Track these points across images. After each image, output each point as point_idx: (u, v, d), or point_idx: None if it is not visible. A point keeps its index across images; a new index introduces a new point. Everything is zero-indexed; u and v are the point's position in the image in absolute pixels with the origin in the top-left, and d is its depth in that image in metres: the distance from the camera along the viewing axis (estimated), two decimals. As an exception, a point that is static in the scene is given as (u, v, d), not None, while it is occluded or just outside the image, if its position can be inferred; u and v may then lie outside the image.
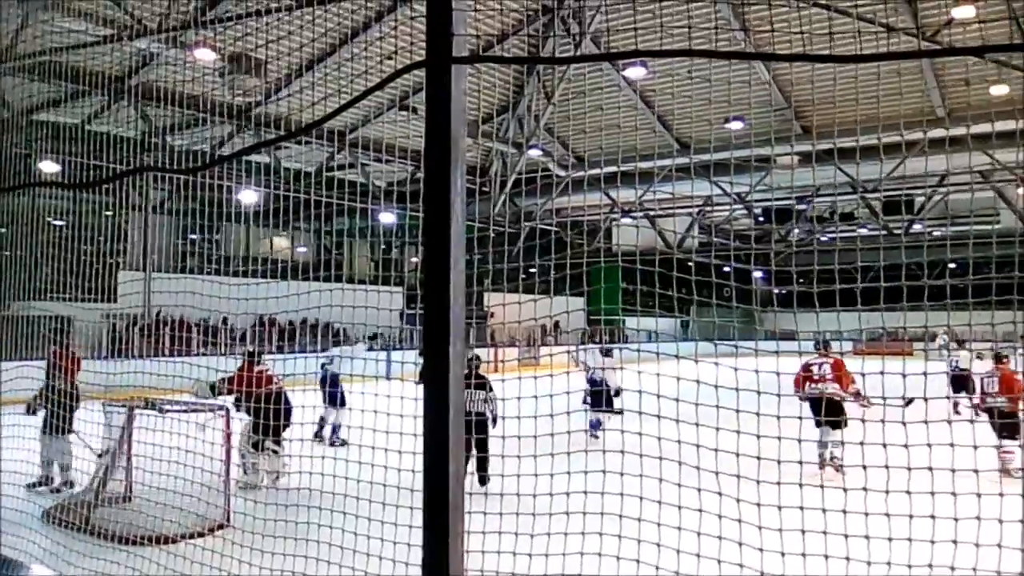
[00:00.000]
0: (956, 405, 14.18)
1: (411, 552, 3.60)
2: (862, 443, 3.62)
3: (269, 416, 8.68)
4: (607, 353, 13.49)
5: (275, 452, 9.36)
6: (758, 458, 3.78)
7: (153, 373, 6.76)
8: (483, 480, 8.79)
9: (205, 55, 14.77)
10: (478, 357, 10.70)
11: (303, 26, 5.49)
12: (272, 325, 25.53)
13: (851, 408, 9.82)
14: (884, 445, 3.58)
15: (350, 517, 4.63)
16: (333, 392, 11.66)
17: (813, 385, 10.48)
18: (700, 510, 3.80)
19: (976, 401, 11.66)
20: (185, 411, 7.33)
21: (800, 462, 3.85)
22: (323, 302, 5.67)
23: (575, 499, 4.00)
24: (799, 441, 3.84)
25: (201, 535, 6.68)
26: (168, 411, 7.35)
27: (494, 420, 9.28)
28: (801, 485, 3.82)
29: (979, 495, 3.41)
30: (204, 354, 14.95)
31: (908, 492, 3.51)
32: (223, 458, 7.94)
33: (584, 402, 11.84)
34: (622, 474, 3.88)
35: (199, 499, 6.22)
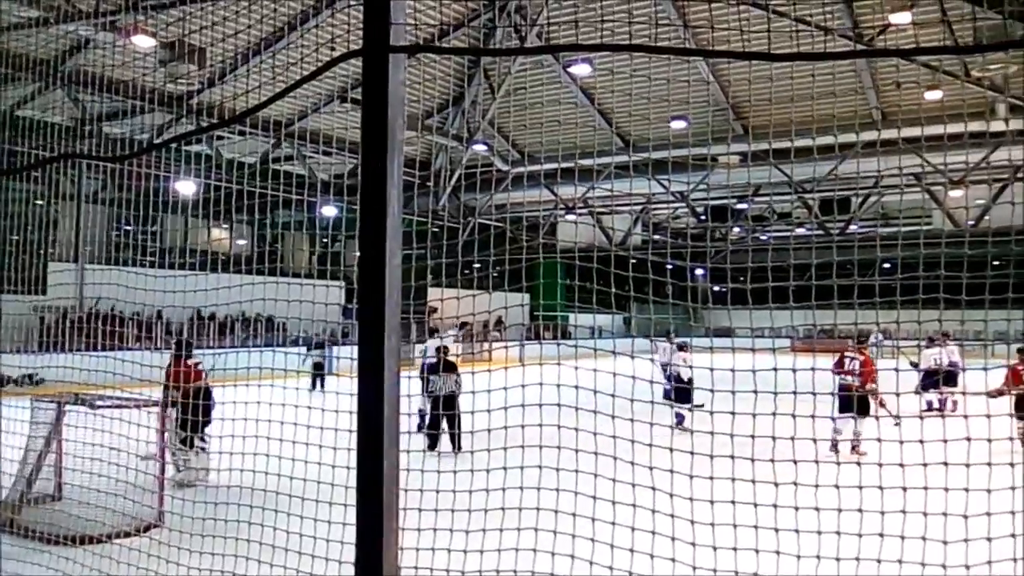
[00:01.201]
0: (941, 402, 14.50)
1: (344, 550, 3.54)
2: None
3: (198, 412, 8.50)
4: (682, 348, 14.16)
5: (203, 449, 9.15)
6: (692, 453, 3.81)
7: (84, 368, 6.56)
8: (458, 446, 10.58)
9: (142, 41, 14.40)
10: (447, 348, 12.35)
11: (239, 12, 5.37)
12: (211, 319, 25.06)
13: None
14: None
15: (283, 515, 4.54)
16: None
17: (843, 376, 11.19)
18: (634, 505, 3.81)
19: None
20: (117, 407, 7.12)
21: (732, 457, 3.89)
22: (262, 295, 5.55)
23: (512, 495, 3.99)
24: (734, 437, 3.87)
25: (130, 535, 6.51)
26: (100, 407, 7.13)
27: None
28: (732, 480, 3.86)
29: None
30: (138, 348, 14.59)
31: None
32: (156, 455, 7.76)
33: (666, 397, 12.05)
34: (558, 470, 3.88)
35: (126, 498, 6.05)
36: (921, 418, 3.71)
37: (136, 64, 12.76)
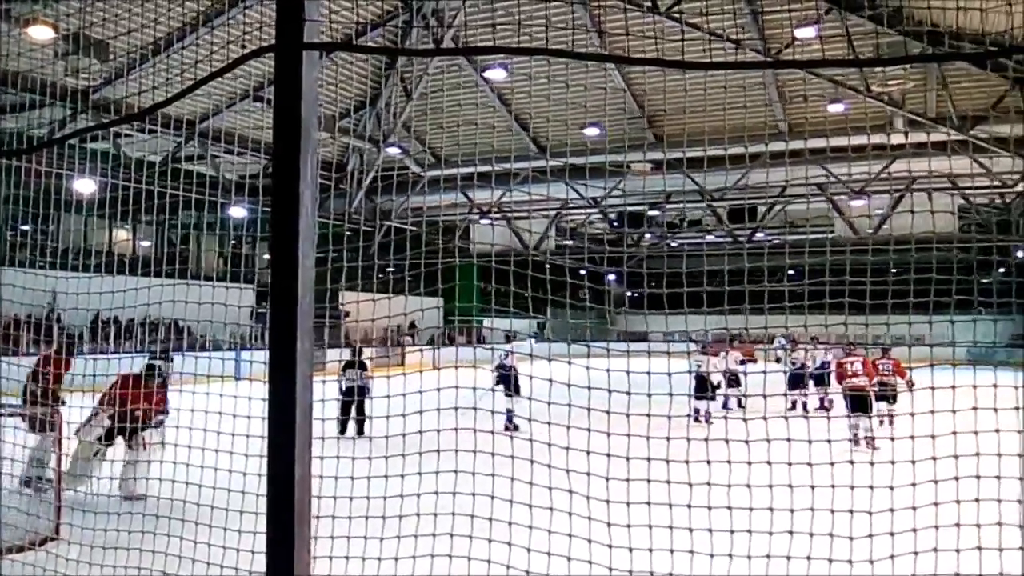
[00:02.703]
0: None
1: (255, 560, 3.44)
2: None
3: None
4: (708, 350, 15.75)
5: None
6: (627, 457, 3.83)
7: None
8: (361, 431, 12.02)
9: (40, 32, 13.81)
10: (361, 348, 13.68)
11: (144, 4, 5.18)
12: (113, 323, 24.12)
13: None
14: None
15: (190, 525, 4.40)
16: (507, 379, 13.03)
17: (850, 379, 12.68)
18: (551, 509, 3.82)
19: None
20: (11, 415, 6.78)
21: (646, 458, 3.93)
22: (168, 298, 5.37)
23: (427, 501, 3.95)
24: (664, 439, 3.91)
25: (23, 549, 6.19)
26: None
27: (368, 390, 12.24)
28: (660, 481, 3.91)
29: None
30: (33, 354, 13.95)
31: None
32: (54, 465, 7.41)
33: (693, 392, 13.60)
34: (474, 474, 3.86)
35: (18, 510, 5.75)
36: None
37: (33, 56, 12.21)
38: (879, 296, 4.18)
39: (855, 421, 11.82)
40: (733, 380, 15.86)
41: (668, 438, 3.78)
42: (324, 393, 3.40)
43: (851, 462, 3.86)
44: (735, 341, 16.10)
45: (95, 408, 8.43)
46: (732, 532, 3.76)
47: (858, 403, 12.22)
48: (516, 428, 11.95)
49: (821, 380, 15.82)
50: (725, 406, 15.78)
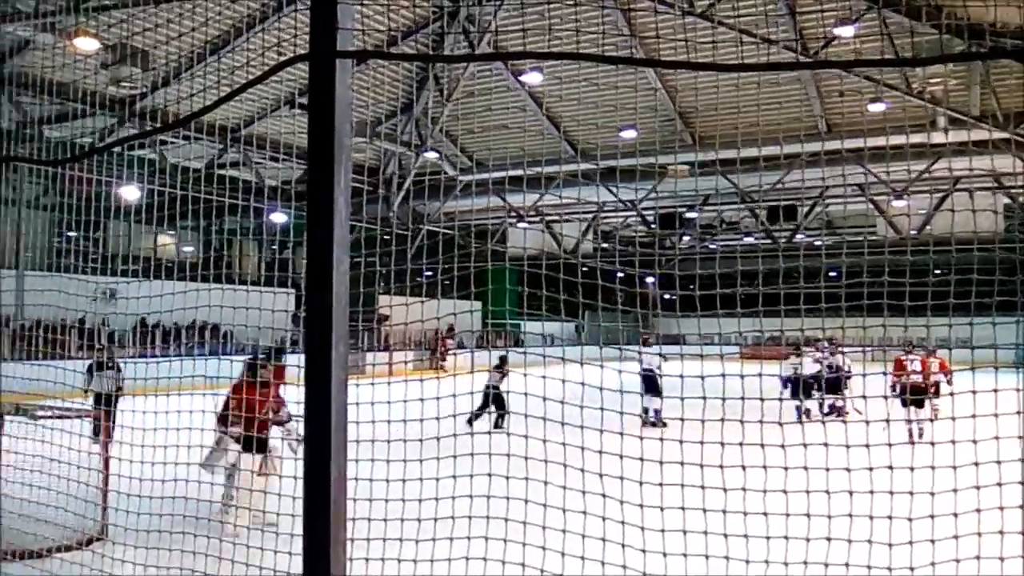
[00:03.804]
0: None
1: (293, 561, 3.48)
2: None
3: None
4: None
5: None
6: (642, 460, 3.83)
7: (25, 378, 6.37)
8: (498, 424, 11.91)
9: (85, 43, 14.10)
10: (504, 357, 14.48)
11: (182, 15, 5.28)
12: (156, 327, 24.54)
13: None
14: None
15: (230, 526, 4.47)
16: (651, 381, 14.00)
17: (905, 377, 13.74)
18: (584, 512, 3.82)
19: None
20: (60, 417, 6.93)
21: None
22: (210, 303, 5.46)
23: (461, 503, 3.97)
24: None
25: (71, 548, 6.33)
26: (41, 417, 6.93)
27: None
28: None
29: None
30: (81, 358, 14.24)
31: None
32: (101, 467, 7.55)
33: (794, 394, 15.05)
34: (508, 477, 3.87)
35: (66, 510, 5.88)
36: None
37: (78, 66, 12.50)
38: (919, 298, 4.12)
39: (911, 416, 12.46)
40: (830, 383, 16.33)
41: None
42: (358, 396, 3.42)
43: (911, 468, 3.75)
44: (781, 344, 16.42)
45: (217, 431, 7.44)
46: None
47: (915, 399, 13.06)
48: (665, 425, 12.83)
49: (836, 385, 16.25)
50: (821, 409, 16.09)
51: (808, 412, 14.81)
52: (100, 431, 7.75)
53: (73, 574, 5.09)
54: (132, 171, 15.38)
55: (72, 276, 6.65)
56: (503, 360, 14.64)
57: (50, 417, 6.87)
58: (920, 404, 13.13)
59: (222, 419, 7.43)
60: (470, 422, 12.11)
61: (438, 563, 3.87)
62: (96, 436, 7.59)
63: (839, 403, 14.88)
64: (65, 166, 5.26)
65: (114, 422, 8.08)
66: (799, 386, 15.41)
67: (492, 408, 13.30)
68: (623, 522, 3.80)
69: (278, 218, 24.62)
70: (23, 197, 22.98)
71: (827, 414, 15.32)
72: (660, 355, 16.10)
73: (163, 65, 19.05)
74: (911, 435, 11.67)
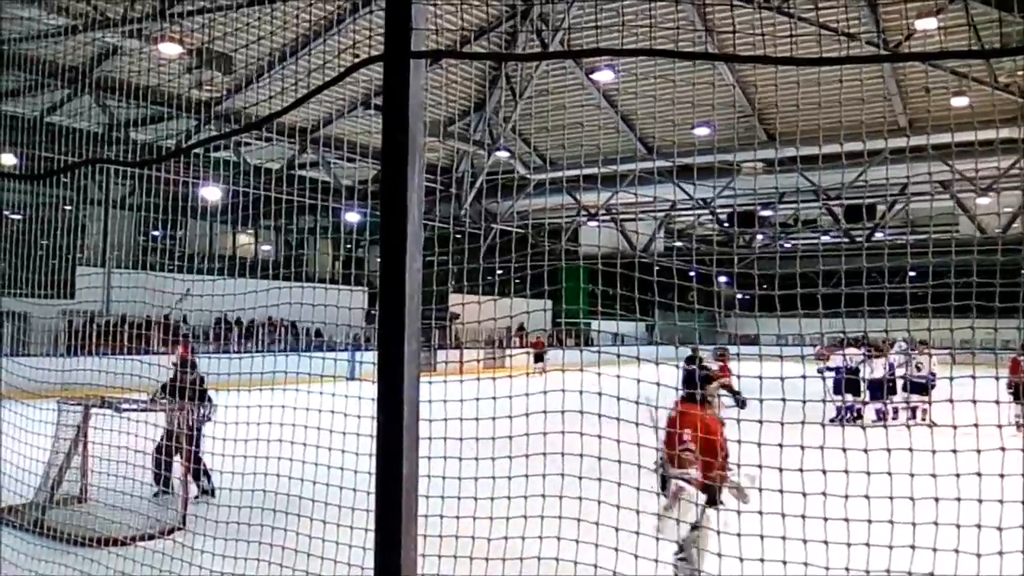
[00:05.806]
0: None
1: (366, 556, 3.52)
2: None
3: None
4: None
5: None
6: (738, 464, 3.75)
7: (110, 371, 6.60)
8: None
9: (169, 48, 14.54)
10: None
11: (261, 19, 5.40)
12: (237, 324, 25.22)
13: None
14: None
15: (304, 520, 4.54)
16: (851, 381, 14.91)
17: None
18: (659, 515, 3.77)
19: None
20: (143, 410, 7.17)
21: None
22: (286, 300, 5.56)
23: (534, 503, 3.95)
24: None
25: (153, 537, 6.54)
26: (126, 410, 7.18)
27: None
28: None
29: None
30: (164, 352, 14.71)
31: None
32: (183, 460, 7.79)
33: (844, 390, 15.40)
34: (580, 478, 3.85)
35: (148, 501, 6.08)
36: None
37: (163, 71, 12.89)
38: (1009, 299, 3.94)
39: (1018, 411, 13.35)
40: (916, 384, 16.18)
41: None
42: (431, 394, 3.44)
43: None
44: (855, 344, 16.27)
45: (666, 472, 4.91)
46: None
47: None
48: (859, 416, 13.53)
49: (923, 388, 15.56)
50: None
51: (860, 413, 15.24)
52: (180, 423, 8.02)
53: (155, 563, 5.24)
54: (213, 172, 15.81)
55: (156, 273, 6.85)
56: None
57: (134, 410, 7.12)
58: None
59: (671, 458, 4.84)
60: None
61: (510, 562, 3.87)
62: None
63: (923, 406, 14.56)
64: (150, 167, 5.41)
65: (197, 416, 8.36)
66: (842, 385, 15.60)
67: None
68: (697, 525, 3.73)
69: (352, 217, 25.06)
70: (110, 197, 23.86)
71: (910, 417, 15.11)
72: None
73: (243, 68, 19.54)
74: (1018, 424, 12.39)
